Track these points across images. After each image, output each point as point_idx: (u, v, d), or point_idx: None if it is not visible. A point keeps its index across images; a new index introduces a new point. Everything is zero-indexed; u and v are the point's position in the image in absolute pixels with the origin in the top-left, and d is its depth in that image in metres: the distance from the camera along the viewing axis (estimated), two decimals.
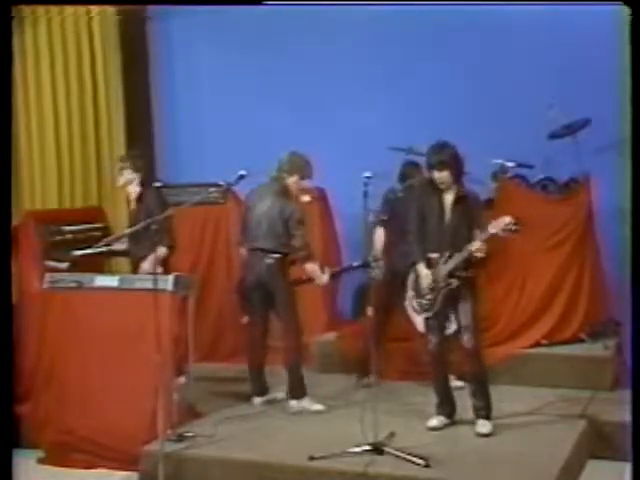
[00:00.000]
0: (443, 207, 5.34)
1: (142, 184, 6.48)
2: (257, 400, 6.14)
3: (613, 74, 6.18)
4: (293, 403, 5.95)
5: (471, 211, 5.35)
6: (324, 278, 6.00)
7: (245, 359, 6.28)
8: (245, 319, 6.22)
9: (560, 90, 7.20)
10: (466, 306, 5.31)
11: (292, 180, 5.98)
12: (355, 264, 6.11)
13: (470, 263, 5.29)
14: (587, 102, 6.89)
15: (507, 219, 5.14)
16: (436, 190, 5.36)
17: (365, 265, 5.95)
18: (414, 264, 5.46)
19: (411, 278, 5.53)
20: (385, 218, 6.41)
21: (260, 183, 6.15)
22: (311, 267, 5.93)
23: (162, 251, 6.04)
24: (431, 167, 5.32)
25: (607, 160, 6.71)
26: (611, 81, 6.32)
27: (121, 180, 6.54)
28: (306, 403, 5.94)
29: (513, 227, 5.15)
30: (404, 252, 5.83)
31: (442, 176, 5.27)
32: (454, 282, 5.27)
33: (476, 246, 5.17)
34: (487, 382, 5.38)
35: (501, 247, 6.17)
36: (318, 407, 5.95)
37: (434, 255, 5.33)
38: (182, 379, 6.03)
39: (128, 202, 6.75)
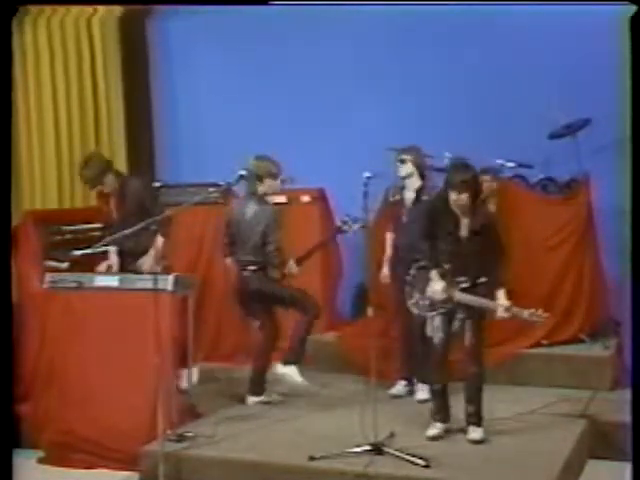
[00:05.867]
0: (459, 222, 5.16)
1: (118, 177, 6.42)
2: (252, 400, 6.14)
3: (613, 74, 6.18)
4: (279, 366, 6.00)
5: (490, 232, 5.18)
6: (293, 268, 6.02)
7: (248, 360, 6.31)
8: (256, 323, 6.24)
9: (560, 90, 7.20)
10: (472, 327, 5.21)
11: (266, 185, 6.03)
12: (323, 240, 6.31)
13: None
14: (587, 102, 6.88)
15: (544, 315, 5.02)
16: (452, 211, 5.18)
17: (339, 231, 6.17)
18: (424, 268, 5.34)
19: (419, 279, 5.41)
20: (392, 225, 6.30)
21: (239, 196, 6.26)
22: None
23: (161, 241, 6.05)
24: (451, 187, 5.09)
25: (607, 160, 6.72)
26: (611, 81, 6.33)
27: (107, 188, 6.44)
28: (291, 370, 5.97)
29: (541, 320, 5.05)
30: (405, 259, 5.85)
31: (461, 198, 5.06)
32: (462, 315, 5.18)
33: (503, 315, 5.07)
34: (482, 388, 5.30)
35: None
36: (299, 379, 5.98)
37: (447, 265, 5.22)
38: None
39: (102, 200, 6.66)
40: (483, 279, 5.19)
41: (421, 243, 5.36)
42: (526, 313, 5.05)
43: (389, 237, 6.32)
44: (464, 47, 7.65)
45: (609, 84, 6.46)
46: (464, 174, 5.10)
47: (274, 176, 6.04)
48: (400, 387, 6.26)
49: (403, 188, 6.20)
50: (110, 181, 6.37)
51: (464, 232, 5.18)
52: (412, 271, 5.45)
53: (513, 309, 5.08)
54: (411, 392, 6.25)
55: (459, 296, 5.17)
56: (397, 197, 6.25)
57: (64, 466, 5.71)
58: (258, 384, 6.17)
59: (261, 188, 6.03)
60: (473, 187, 5.10)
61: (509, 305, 5.09)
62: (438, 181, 6.43)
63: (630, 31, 4.83)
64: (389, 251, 6.31)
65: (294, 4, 7.61)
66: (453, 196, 5.09)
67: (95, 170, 6.34)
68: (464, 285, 5.18)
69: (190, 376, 5.84)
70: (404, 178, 6.16)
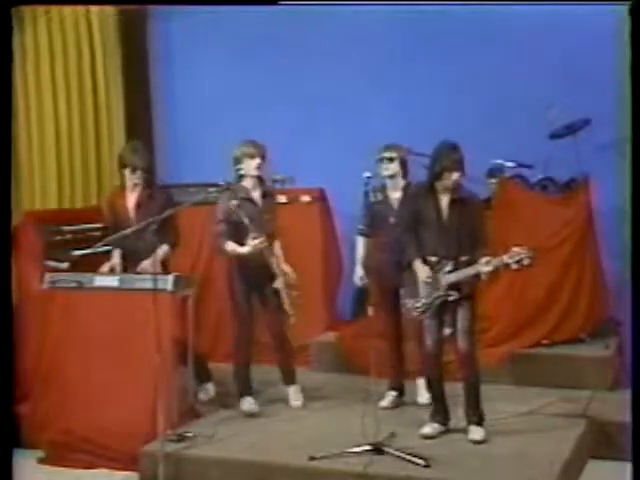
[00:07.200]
0: (440, 209, 5.23)
1: (148, 185, 6.21)
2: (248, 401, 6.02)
3: (613, 74, 6.18)
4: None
5: (471, 215, 5.25)
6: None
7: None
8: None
9: (560, 90, 7.20)
10: (463, 312, 5.25)
11: (245, 166, 5.92)
12: None
13: (474, 278, 5.22)
14: (587, 102, 6.89)
15: (522, 251, 5.04)
16: (433, 193, 5.25)
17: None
18: (409, 265, 5.36)
19: (406, 279, 5.42)
20: (363, 227, 6.04)
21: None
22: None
23: (164, 249, 6.01)
24: (444, 169, 5.15)
25: (607, 160, 6.72)
26: (611, 81, 6.33)
27: (128, 184, 6.20)
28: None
29: (526, 260, 5.05)
30: (393, 260, 5.72)
31: (454, 177, 5.15)
32: (454, 294, 5.21)
33: (487, 269, 5.09)
34: (479, 388, 5.31)
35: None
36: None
37: (432, 258, 5.26)
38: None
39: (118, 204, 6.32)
40: (464, 258, 5.22)
41: (405, 236, 5.38)
42: (505, 258, 5.08)
43: (361, 240, 6.07)
44: (464, 47, 7.64)
45: (609, 84, 6.46)
46: (455, 154, 5.18)
47: (253, 156, 5.91)
48: (391, 398, 6.04)
49: (385, 188, 5.94)
50: (137, 181, 6.16)
51: (445, 212, 5.23)
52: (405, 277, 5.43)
53: (493, 260, 5.10)
54: (402, 403, 6.06)
55: (445, 279, 5.20)
56: (380, 197, 5.94)
57: (64, 466, 5.71)
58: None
59: (241, 171, 5.94)
60: (463, 165, 5.19)
61: (489, 259, 5.11)
62: None
63: (630, 31, 4.83)
64: (362, 252, 6.06)
65: (303, 4, 7.59)
66: (446, 177, 5.16)
67: (147, 161, 6.24)
68: (448, 269, 5.22)
69: (190, 376, 5.84)
70: (390, 177, 5.87)
